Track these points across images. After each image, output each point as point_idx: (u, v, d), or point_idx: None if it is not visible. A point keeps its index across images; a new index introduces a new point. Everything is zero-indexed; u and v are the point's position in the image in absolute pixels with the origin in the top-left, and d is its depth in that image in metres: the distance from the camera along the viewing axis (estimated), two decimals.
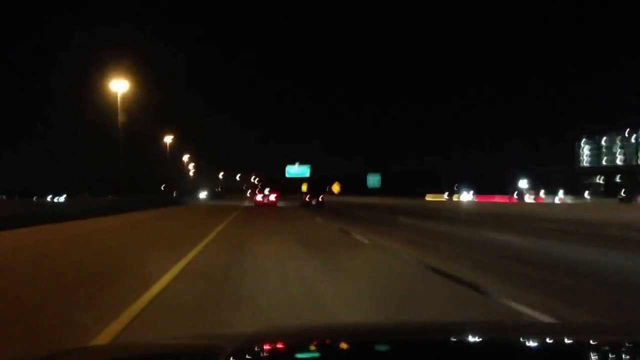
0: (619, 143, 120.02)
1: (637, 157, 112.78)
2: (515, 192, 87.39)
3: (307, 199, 43.29)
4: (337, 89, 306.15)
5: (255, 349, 1.66)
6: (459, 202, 44.84)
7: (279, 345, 1.77)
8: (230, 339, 1.79)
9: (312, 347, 1.74)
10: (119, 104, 34.05)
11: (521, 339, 1.84)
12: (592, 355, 1.65)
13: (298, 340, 1.83)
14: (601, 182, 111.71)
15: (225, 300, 5.29)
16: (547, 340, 1.81)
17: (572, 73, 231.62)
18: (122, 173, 46.55)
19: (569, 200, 73.14)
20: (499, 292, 5.70)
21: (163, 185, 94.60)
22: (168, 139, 63.53)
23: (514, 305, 5.04)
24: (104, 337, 3.95)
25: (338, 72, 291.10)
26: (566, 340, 1.83)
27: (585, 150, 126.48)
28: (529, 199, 78.43)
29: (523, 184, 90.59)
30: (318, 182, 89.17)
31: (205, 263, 8.14)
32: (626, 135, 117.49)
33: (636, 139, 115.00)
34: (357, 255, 9.39)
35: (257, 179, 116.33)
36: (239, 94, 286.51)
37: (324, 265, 8.01)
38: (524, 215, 23.47)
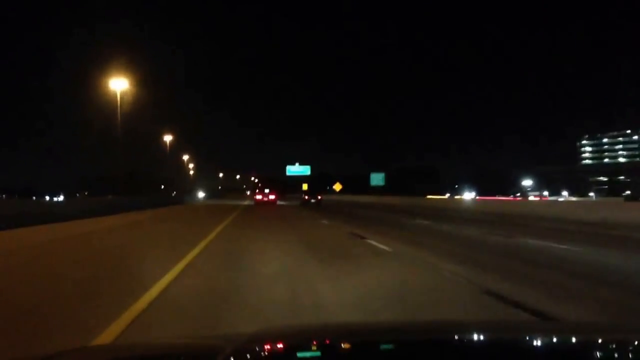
0: (621, 141, 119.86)
1: None
2: (518, 192, 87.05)
3: (306, 198, 45.96)
4: (336, 86, 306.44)
5: (255, 349, 1.65)
6: (464, 202, 44.27)
7: (279, 345, 1.76)
8: (230, 339, 1.78)
9: (312, 347, 1.74)
10: (118, 101, 33.78)
11: (521, 339, 1.83)
12: (592, 354, 1.65)
13: (298, 340, 1.82)
14: (604, 180, 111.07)
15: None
16: (548, 339, 1.79)
17: (571, 70, 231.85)
18: (121, 172, 46.25)
19: (573, 199, 72.62)
20: None
21: (162, 185, 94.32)
22: (168, 138, 63.11)
23: None
24: None
25: (337, 69, 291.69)
26: (567, 340, 1.82)
27: (587, 149, 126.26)
28: (533, 198, 77.72)
29: (526, 183, 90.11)
30: (318, 182, 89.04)
31: (195, 286, 6.14)
32: (628, 132, 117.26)
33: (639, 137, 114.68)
34: (385, 270, 7.34)
35: (256, 178, 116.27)
36: (238, 91, 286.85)
37: (348, 286, 5.99)
38: (539, 216, 21.95)
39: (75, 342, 3.64)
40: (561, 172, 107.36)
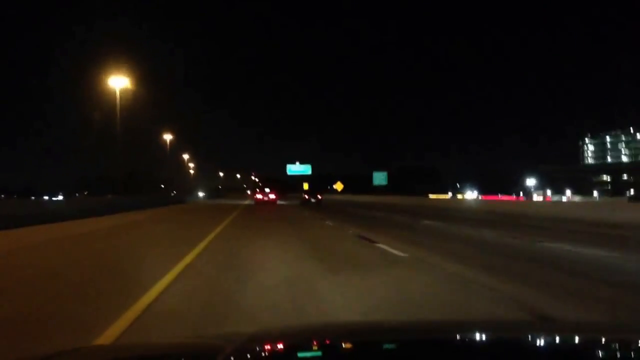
0: (624, 140, 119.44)
1: None
2: (522, 191, 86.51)
3: (306, 198, 45.83)
4: (336, 85, 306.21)
5: (255, 349, 1.65)
6: (468, 201, 43.85)
7: (279, 345, 1.75)
8: (230, 339, 1.76)
9: (312, 347, 1.73)
10: (117, 100, 33.46)
11: (522, 339, 1.82)
12: (593, 354, 1.63)
13: (298, 340, 1.82)
14: (607, 180, 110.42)
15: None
16: (548, 339, 1.78)
17: (571, 70, 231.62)
18: (120, 171, 45.90)
19: (577, 199, 72.14)
20: None
21: (162, 185, 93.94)
22: (167, 137, 62.71)
23: None
24: None
25: (337, 68, 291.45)
26: (567, 340, 1.81)
27: (590, 148, 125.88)
28: (537, 198, 77.27)
29: (530, 182, 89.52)
30: (319, 181, 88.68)
31: (189, 295, 5.57)
32: (631, 132, 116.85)
33: None
34: (407, 283, 6.27)
35: (257, 178, 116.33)
36: (238, 91, 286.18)
37: (368, 304, 5.08)
38: (552, 217, 21.04)
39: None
40: (564, 171, 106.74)
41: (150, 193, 66.06)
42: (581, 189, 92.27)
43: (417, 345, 1.69)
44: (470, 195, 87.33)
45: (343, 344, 1.81)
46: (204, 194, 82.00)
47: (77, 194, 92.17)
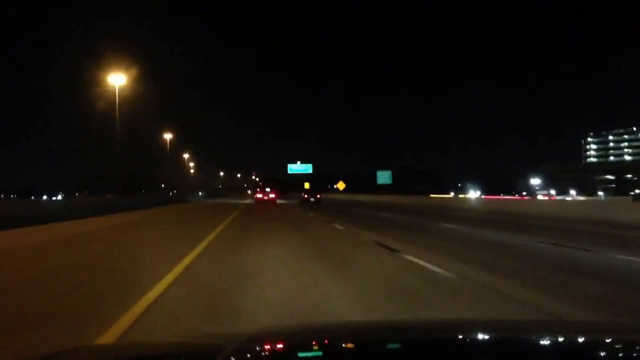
0: (626, 139, 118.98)
1: None
2: (525, 191, 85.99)
3: (305, 197, 45.95)
4: (336, 85, 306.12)
5: (255, 348, 1.64)
6: (475, 201, 43.34)
7: (279, 345, 1.74)
8: (230, 339, 1.73)
9: (312, 347, 1.71)
10: (117, 99, 33.16)
11: (522, 338, 1.79)
12: (593, 354, 1.61)
13: (298, 339, 1.80)
14: (610, 179, 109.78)
15: None
16: (549, 339, 1.76)
17: (571, 70, 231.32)
18: (120, 171, 45.56)
19: (581, 198, 71.45)
20: None
21: (162, 185, 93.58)
22: (167, 137, 62.35)
23: None
24: None
25: (336, 68, 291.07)
26: (568, 339, 1.77)
27: (592, 147, 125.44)
28: (542, 197, 76.35)
29: (535, 182, 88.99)
30: (320, 180, 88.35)
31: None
32: (634, 130, 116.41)
33: None
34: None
35: (257, 177, 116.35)
36: (237, 90, 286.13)
37: None
38: (575, 218, 19.67)
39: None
40: (566, 170, 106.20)
41: (150, 193, 65.82)
42: (584, 188, 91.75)
43: (417, 345, 1.68)
44: (473, 194, 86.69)
45: (343, 344, 1.80)
46: (203, 194, 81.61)
47: (77, 194, 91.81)
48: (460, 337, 1.83)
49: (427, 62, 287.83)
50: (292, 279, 6.56)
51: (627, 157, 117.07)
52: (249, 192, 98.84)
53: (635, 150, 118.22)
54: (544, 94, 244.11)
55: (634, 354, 1.59)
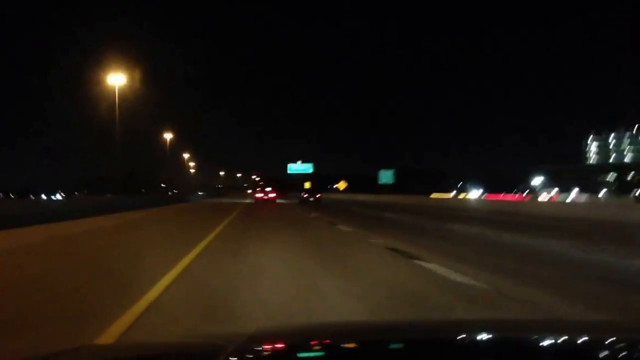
0: (628, 140, 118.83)
1: None
2: (527, 190, 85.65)
3: (305, 197, 46.30)
4: (336, 85, 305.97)
5: (255, 348, 1.64)
6: (476, 201, 43.30)
7: (279, 345, 1.74)
8: (230, 339, 1.72)
9: (313, 347, 1.69)
10: (117, 99, 33.18)
11: (523, 338, 1.79)
12: (594, 353, 1.60)
13: (298, 339, 1.80)
14: (612, 179, 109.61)
15: None
16: (549, 338, 1.73)
17: (571, 70, 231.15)
18: (120, 171, 45.53)
19: (583, 199, 71.24)
20: None
21: (163, 184, 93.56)
22: (167, 137, 62.34)
23: None
24: None
25: (336, 68, 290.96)
26: (568, 339, 1.75)
27: (593, 147, 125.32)
28: (544, 197, 76.06)
29: (537, 181, 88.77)
30: (320, 180, 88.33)
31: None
32: (635, 131, 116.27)
33: None
34: None
35: (257, 177, 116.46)
36: (238, 90, 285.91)
37: None
38: (565, 217, 19.49)
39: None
40: (567, 170, 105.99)
41: (150, 192, 65.79)
42: (585, 188, 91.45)
43: (417, 345, 1.68)
44: (475, 194, 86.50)
45: (343, 344, 1.79)
46: (203, 193, 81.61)
47: (76, 194, 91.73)
48: (460, 337, 1.82)
49: (427, 62, 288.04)
50: (292, 279, 6.51)
51: (628, 158, 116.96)
52: (249, 191, 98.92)
53: (636, 149, 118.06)
54: (544, 94, 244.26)
55: (634, 354, 1.58)
